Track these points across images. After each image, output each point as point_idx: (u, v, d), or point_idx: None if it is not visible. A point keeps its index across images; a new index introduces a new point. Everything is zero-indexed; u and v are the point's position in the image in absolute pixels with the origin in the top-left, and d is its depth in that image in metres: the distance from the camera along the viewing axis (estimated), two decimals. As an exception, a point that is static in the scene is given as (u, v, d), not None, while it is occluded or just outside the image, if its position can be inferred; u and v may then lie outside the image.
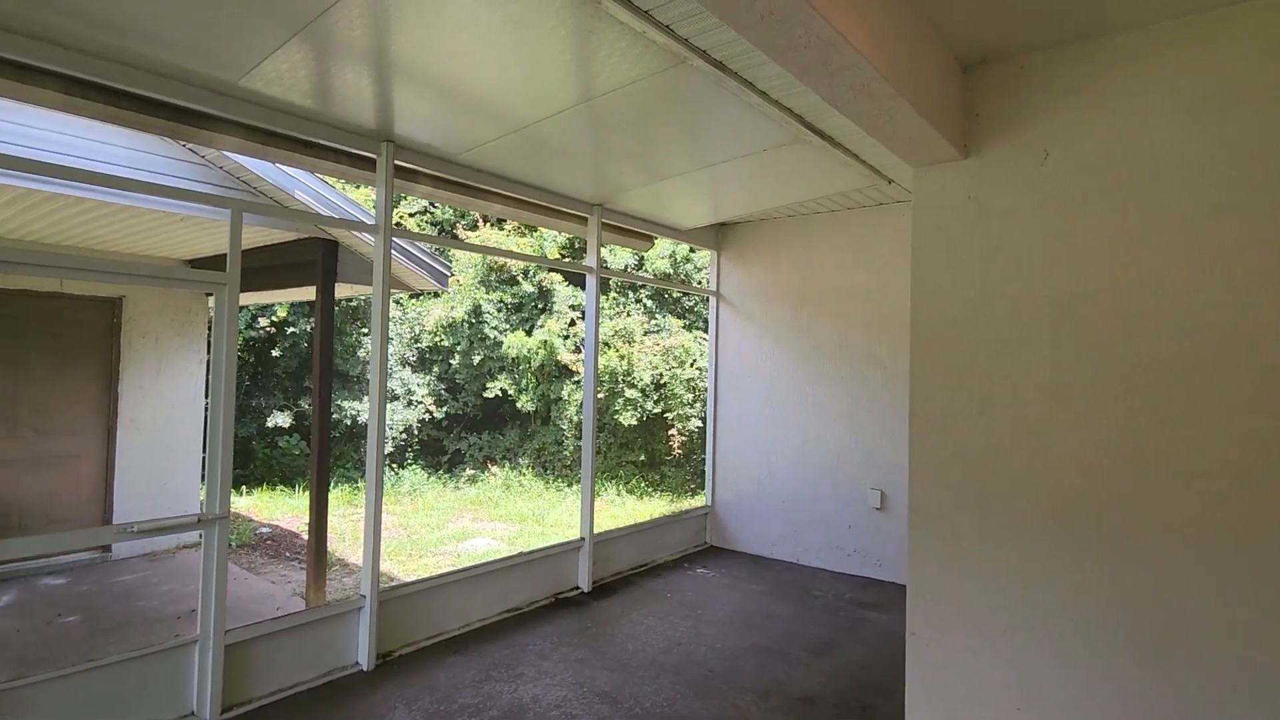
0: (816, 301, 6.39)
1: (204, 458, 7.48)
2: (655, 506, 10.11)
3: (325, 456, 5.07)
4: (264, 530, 8.17)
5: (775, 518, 6.50)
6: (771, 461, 6.56)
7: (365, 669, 3.83)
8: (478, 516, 9.47)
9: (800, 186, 5.32)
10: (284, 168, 4.97)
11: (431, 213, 13.86)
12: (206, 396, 7.43)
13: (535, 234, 13.06)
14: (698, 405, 11.12)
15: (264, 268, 6.00)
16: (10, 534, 6.01)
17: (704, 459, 7.46)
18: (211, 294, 6.69)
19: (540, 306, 12.59)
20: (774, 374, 6.62)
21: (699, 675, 3.89)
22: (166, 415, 7.14)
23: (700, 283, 11.75)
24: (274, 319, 11.52)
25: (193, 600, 5.36)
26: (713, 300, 7.14)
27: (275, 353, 11.57)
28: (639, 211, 5.90)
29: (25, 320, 6.26)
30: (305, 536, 7.74)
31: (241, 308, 10.93)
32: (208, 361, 7.56)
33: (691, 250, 11.91)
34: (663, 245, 11.70)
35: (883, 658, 4.21)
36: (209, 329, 7.81)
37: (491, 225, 13.41)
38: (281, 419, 11.35)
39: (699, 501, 9.29)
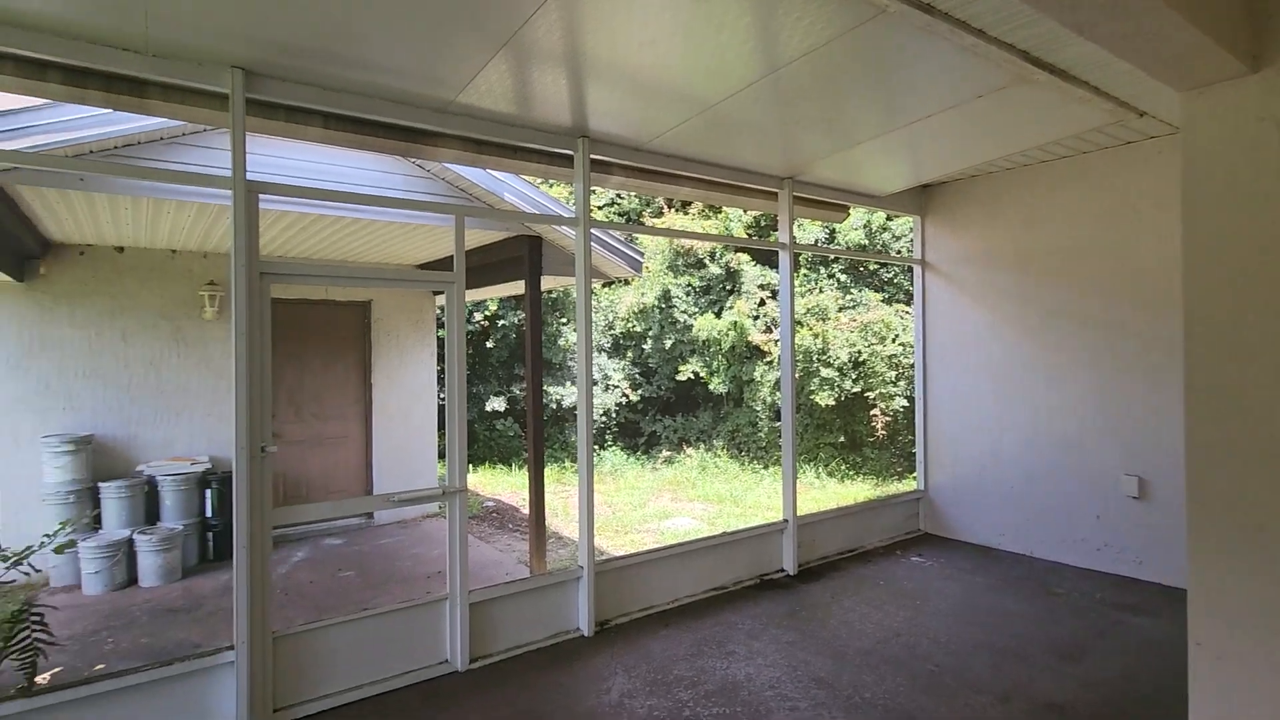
0: (1045, 263, 5.63)
1: (439, 438, 8.51)
2: (858, 490, 9.67)
3: (540, 438, 5.50)
4: (489, 504, 9.11)
5: (1002, 505, 5.89)
6: (996, 443, 5.94)
7: (586, 635, 4.10)
8: (676, 496, 9.74)
9: (1023, 133, 4.71)
10: (493, 173, 5.44)
11: (619, 203, 14.40)
12: (438, 384, 8.46)
13: (720, 215, 13.03)
14: (902, 383, 10.41)
15: (478, 266, 6.62)
16: (301, 502, 7.30)
17: (912, 440, 6.96)
18: (441, 291, 7.48)
19: (728, 288, 12.55)
20: (994, 347, 5.96)
21: (924, 670, 3.64)
22: (408, 402, 8.20)
23: (901, 252, 10.95)
24: (486, 314, 12.72)
25: (437, 563, 6.12)
26: (917, 270, 6.60)
27: (489, 344, 12.78)
28: (832, 181, 5.61)
29: (304, 324, 7.52)
30: (524, 510, 8.49)
31: (476, 303, 12.26)
32: (437, 354, 8.57)
33: (889, 218, 11.13)
34: (856, 215, 11.07)
35: (1150, 669, 3.63)
36: (437, 326, 8.83)
37: (676, 210, 13.61)
38: (497, 404, 12.54)
39: (908, 486, 8.72)
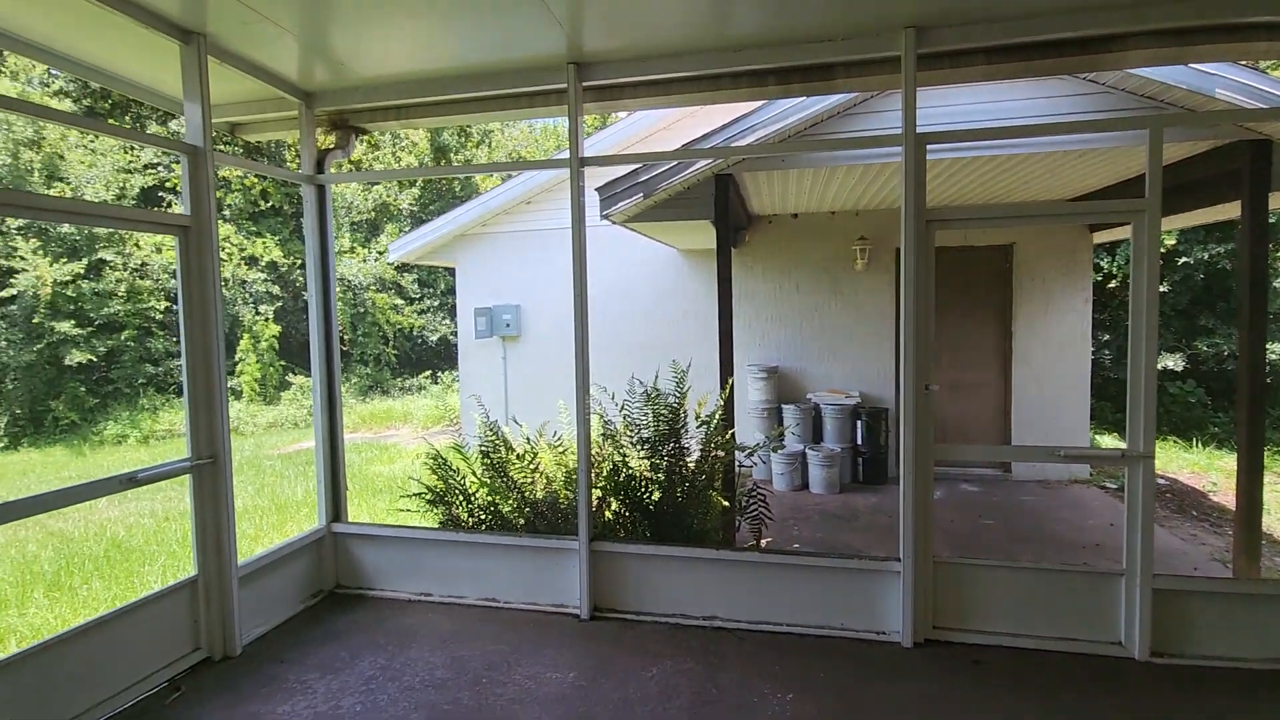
0: None
1: (1091, 396, 7.47)
2: None
3: (1260, 411, 4.19)
4: (1161, 482, 7.55)
5: None
6: None
7: (1343, 680, 2.99)
8: None
9: None
10: (1197, 67, 4.28)
11: None
12: (1098, 335, 7.36)
13: None
14: None
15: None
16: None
17: None
18: (1105, 226, 6.45)
19: None
20: None
21: None
22: (1053, 353, 7.44)
23: None
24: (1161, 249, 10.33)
25: (1095, 533, 5.45)
26: None
27: (1162, 288, 10.38)
28: None
29: (942, 271, 7.64)
30: (1213, 497, 6.73)
31: (1118, 242, 10.26)
32: (1091, 300, 7.46)
33: None
34: None
35: None
36: (1092, 269, 7.66)
37: None
38: (1170, 362, 10.15)
39: None
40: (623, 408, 4.50)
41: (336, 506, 4.43)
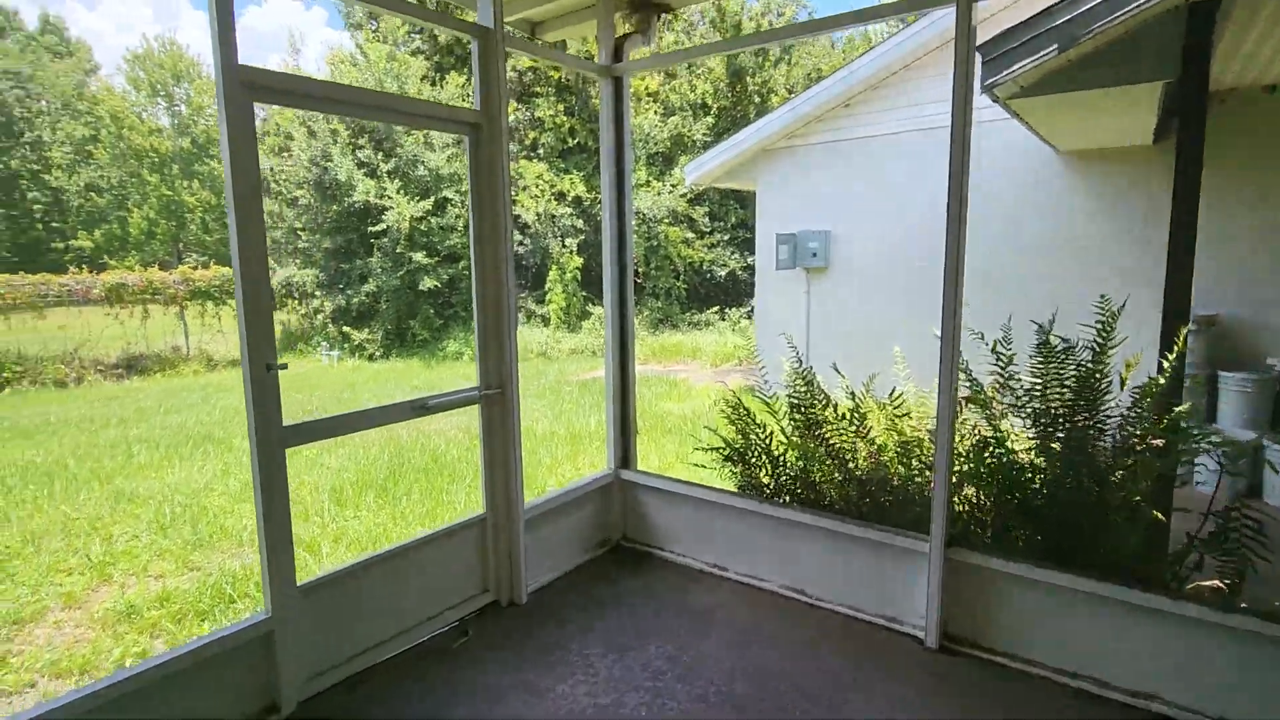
0: None
1: None
2: None
3: None
4: None
5: None
6: None
7: None
8: None
9: None
10: None
11: None
12: None
13: None
14: None
15: None
16: None
17: None
18: None
19: None
20: None
21: None
22: None
23: None
24: None
25: None
26: None
27: None
28: None
29: None
30: None
31: None
32: None
33: None
34: None
35: None
36: None
37: None
38: None
39: None
40: (1009, 361, 3.15)
41: (625, 451, 3.91)
